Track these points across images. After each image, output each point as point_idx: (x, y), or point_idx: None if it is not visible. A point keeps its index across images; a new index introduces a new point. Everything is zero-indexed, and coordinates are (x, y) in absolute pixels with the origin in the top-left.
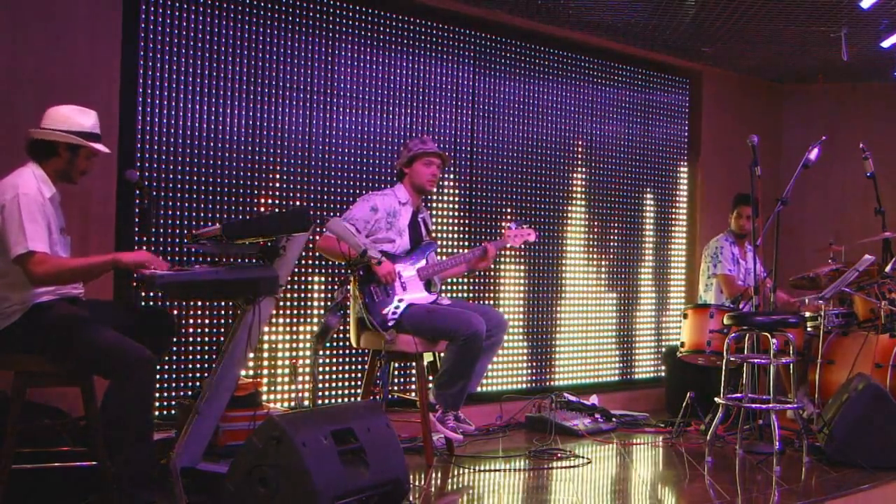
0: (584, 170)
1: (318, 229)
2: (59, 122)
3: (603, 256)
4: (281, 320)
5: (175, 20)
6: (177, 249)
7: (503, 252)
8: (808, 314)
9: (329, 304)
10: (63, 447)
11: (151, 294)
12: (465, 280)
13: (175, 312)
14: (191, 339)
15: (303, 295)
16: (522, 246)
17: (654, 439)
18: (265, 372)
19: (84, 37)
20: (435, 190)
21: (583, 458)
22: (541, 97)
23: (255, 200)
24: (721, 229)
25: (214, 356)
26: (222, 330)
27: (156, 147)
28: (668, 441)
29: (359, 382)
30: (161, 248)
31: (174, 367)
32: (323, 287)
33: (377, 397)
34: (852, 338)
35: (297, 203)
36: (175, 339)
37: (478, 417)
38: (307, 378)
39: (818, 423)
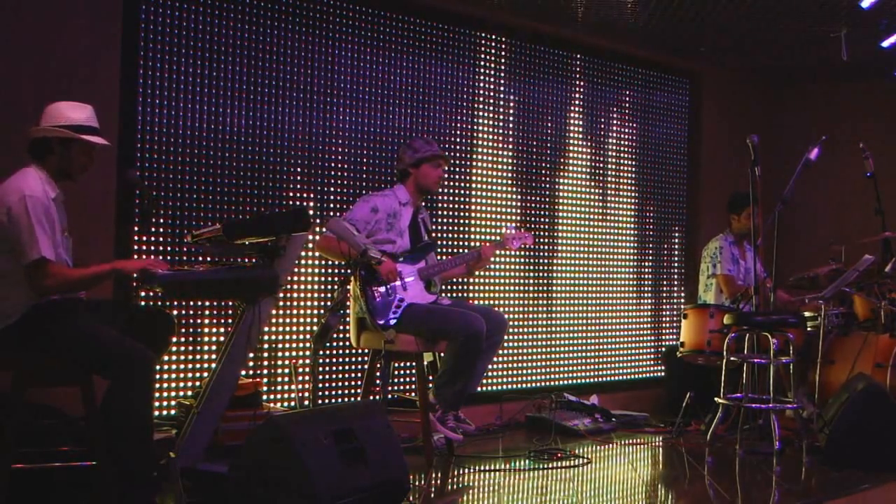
0: (584, 170)
1: (318, 229)
2: (51, 119)
3: (603, 256)
4: (281, 320)
5: (175, 20)
6: (177, 249)
7: (502, 252)
8: (808, 314)
9: (329, 304)
10: (63, 447)
11: (151, 294)
12: (466, 280)
13: (175, 312)
14: (191, 339)
15: (303, 295)
16: (520, 249)
17: (654, 439)
18: (265, 372)
19: (84, 37)
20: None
21: (583, 458)
22: (541, 97)
23: (255, 200)
24: (721, 229)
25: (214, 356)
26: (222, 330)
27: (156, 147)
28: (668, 441)
29: (359, 382)
30: (161, 248)
31: (174, 367)
32: (323, 287)
33: (377, 397)
34: (852, 338)
35: (297, 203)
36: (175, 339)
37: (478, 417)
38: (307, 378)
39: (818, 423)
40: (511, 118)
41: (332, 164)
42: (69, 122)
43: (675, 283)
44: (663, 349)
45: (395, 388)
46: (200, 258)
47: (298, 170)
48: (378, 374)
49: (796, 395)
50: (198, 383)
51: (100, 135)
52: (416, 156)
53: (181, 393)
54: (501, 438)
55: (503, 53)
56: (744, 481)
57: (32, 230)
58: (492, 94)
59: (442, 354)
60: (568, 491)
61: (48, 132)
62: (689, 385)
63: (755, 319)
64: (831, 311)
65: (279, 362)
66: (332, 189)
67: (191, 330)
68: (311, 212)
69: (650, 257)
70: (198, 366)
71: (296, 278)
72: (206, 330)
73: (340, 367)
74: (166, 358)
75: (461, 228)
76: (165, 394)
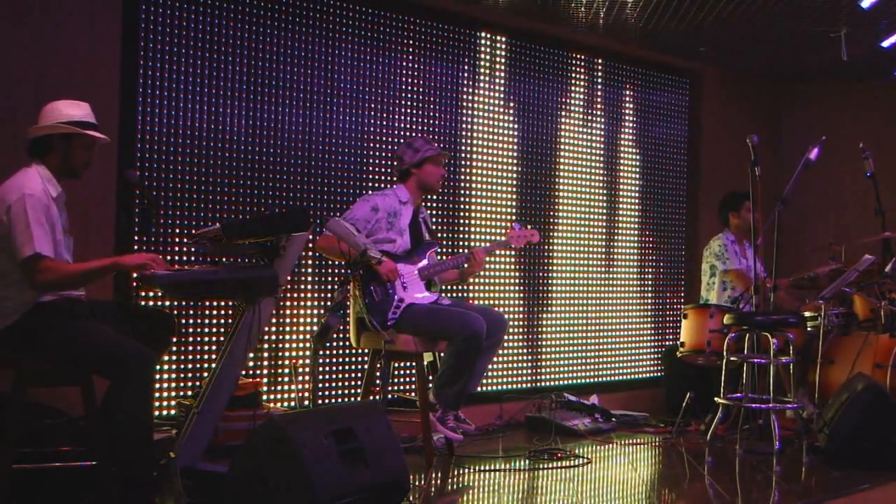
0: (584, 169)
1: (318, 229)
2: (50, 116)
3: (603, 256)
4: (281, 320)
5: (175, 20)
6: (177, 249)
7: (503, 252)
8: (808, 314)
9: (329, 304)
10: (63, 447)
11: (151, 294)
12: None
13: (175, 312)
14: (191, 339)
15: (303, 295)
16: (525, 246)
17: (654, 439)
18: (265, 372)
19: (84, 37)
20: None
21: (583, 458)
22: (540, 97)
23: (255, 200)
24: (721, 229)
25: (214, 356)
26: (222, 330)
27: (156, 147)
28: (668, 441)
29: (359, 382)
30: (161, 248)
31: (174, 367)
32: (323, 287)
33: (377, 397)
34: (852, 338)
35: (297, 203)
36: (175, 339)
37: (478, 417)
38: (307, 378)
39: (818, 423)
40: (511, 118)
41: (332, 164)
42: (70, 119)
43: (675, 282)
44: (663, 349)
45: (395, 388)
46: (200, 258)
47: (298, 170)
48: (378, 374)
49: (796, 395)
50: (198, 383)
51: (99, 131)
52: (417, 155)
53: (181, 393)
54: (501, 438)
55: (503, 53)
56: (744, 481)
57: (29, 227)
58: (491, 93)
59: (442, 354)
60: (568, 491)
61: (50, 129)
62: (689, 385)
63: (755, 319)
64: (831, 311)
65: (279, 362)
66: (332, 189)
67: (191, 330)
68: (311, 212)
69: (650, 257)
70: (198, 366)
71: (296, 278)
72: (206, 330)
73: (340, 367)
74: (166, 358)
75: (461, 228)
76: (165, 394)
